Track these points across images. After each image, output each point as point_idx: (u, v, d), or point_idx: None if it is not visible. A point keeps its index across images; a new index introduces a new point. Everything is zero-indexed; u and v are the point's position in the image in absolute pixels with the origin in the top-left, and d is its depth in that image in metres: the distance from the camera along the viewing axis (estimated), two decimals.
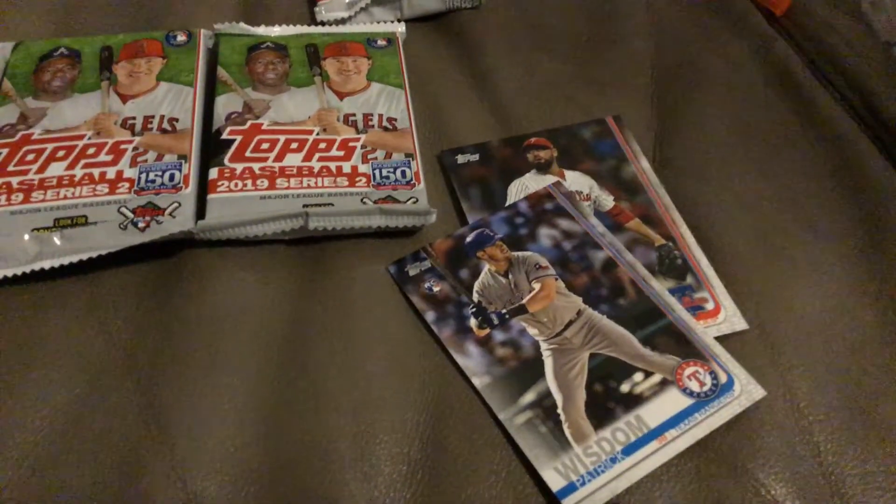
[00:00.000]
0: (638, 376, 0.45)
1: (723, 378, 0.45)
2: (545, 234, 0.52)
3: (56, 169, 0.50)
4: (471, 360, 0.46)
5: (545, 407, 0.44)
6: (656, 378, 0.45)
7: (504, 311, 0.48)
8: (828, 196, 0.56)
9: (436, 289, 0.49)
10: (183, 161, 0.51)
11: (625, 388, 0.45)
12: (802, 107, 0.64)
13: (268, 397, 0.44)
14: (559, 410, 0.44)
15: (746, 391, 0.45)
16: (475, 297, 0.49)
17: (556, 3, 0.69)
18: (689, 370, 0.46)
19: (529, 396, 0.45)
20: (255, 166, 0.51)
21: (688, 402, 0.44)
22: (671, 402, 0.44)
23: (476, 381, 0.45)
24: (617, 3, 0.70)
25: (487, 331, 0.47)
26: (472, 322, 0.48)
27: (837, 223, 0.55)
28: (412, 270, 0.50)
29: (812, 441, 0.44)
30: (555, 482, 0.41)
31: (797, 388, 0.46)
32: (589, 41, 0.66)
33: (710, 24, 0.70)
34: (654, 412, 0.44)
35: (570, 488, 0.41)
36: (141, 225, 0.48)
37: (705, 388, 0.45)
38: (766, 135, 0.61)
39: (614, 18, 0.69)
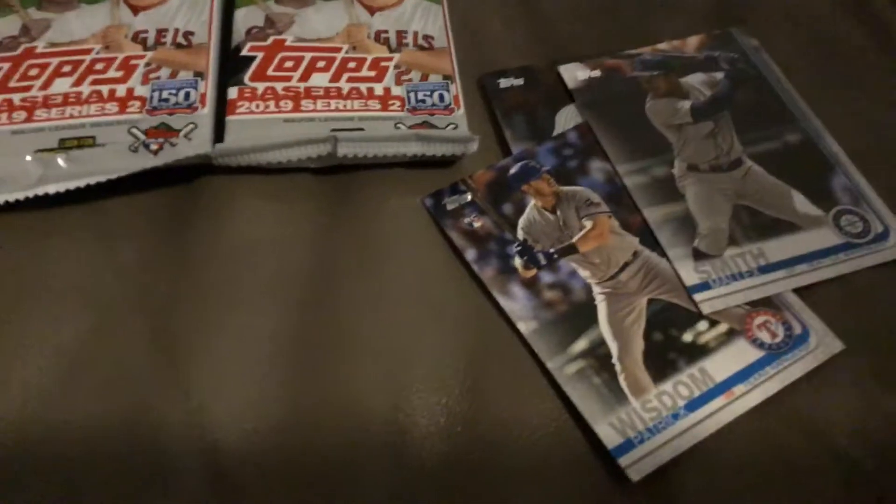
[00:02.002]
0: (702, 325, 0.41)
1: (797, 329, 0.40)
2: (597, 168, 0.47)
3: (61, 85, 0.45)
4: (516, 304, 0.42)
5: (599, 356, 0.40)
6: (723, 327, 0.41)
7: (552, 250, 0.44)
8: None
9: (476, 224, 0.44)
10: (199, 79, 0.46)
11: (687, 337, 0.41)
12: (877, 30, 0.57)
13: (292, 340, 0.40)
14: (614, 360, 0.40)
15: (823, 344, 0.40)
16: (520, 234, 0.44)
17: None
18: (759, 319, 0.41)
19: (581, 344, 0.40)
20: (279, 86, 0.47)
21: (758, 354, 0.40)
22: (739, 354, 0.40)
23: (522, 327, 0.41)
24: None
25: (534, 271, 0.43)
26: (517, 261, 0.43)
27: None
28: (450, 204, 0.45)
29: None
30: (610, 439, 0.37)
31: (880, 341, 0.41)
32: None
33: None
34: (721, 365, 0.40)
35: (627, 446, 0.37)
36: (153, 147, 0.43)
37: (777, 340, 0.40)
38: (841, 60, 0.55)
39: None
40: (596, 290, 0.42)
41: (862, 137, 0.49)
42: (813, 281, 0.42)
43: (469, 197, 0.45)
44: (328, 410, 0.38)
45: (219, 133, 0.45)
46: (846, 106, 0.51)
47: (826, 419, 0.39)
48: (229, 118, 0.45)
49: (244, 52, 0.48)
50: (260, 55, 0.48)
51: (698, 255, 0.43)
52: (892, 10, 0.59)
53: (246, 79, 0.47)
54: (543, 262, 0.43)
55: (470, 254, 0.43)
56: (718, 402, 0.38)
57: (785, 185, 0.46)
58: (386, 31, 0.50)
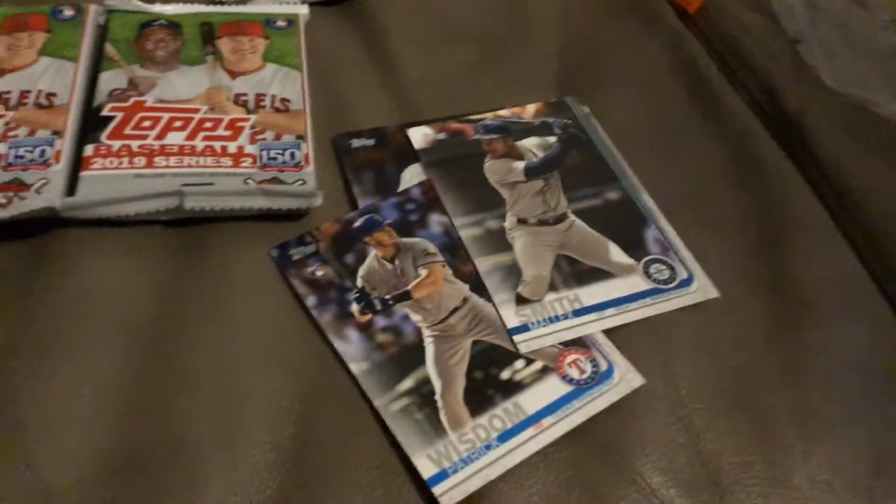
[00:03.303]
0: (519, 363, 0.45)
1: (603, 366, 0.45)
2: (436, 221, 0.51)
3: None
4: (350, 346, 0.45)
5: (423, 393, 0.43)
6: (538, 365, 0.45)
7: (388, 296, 0.47)
8: (723, 187, 0.56)
9: (319, 273, 0.47)
10: (56, 137, 0.49)
11: (505, 375, 0.44)
12: (707, 101, 0.64)
13: (129, 385, 0.42)
14: (437, 397, 0.43)
15: (626, 379, 0.44)
16: (359, 282, 0.47)
17: None
18: (570, 357, 0.45)
19: (408, 383, 0.43)
20: (134, 144, 0.49)
21: (567, 389, 0.44)
22: (551, 389, 0.44)
23: (354, 367, 0.44)
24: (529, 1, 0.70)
25: (369, 316, 0.46)
26: (354, 307, 0.46)
27: (731, 215, 0.55)
28: (296, 254, 0.48)
29: (691, 429, 0.44)
30: (426, 469, 0.40)
31: (679, 376, 0.46)
32: (496, 34, 0.65)
33: (622, 23, 0.70)
34: (533, 399, 0.43)
35: (442, 476, 0.40)
36: (2, 201, 0.45)
37: (585, 376, 0.44)
38: (669, 127, 0.61)
39: (524, 14, 0.68)
40: (426, 332, 0.46)
41: (675, 195, 0.54)
42: (620, 323, 0.47)
43: (314, 248, 0.49)
44: (159, 449, 0.40)
45: (72, 188, 0.47)
46: (664, 167, 0.56)
47: (627, 448, 0.43)
48: (83, 174, 0.47)
49: (104, 112, 0.51)
50: (119, 115, 0.51)
51: (520, 301, 0.47)
52: (720, 81, 0.66)
53: (103, 137, 0.49)
54: (379, 307, 0.46)
55: (310, 300, 0.46)
56: (528, 433, 0.42)
57: (603, 237, 0.50)
58: (245, 95, 0.54)
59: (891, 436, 0.45)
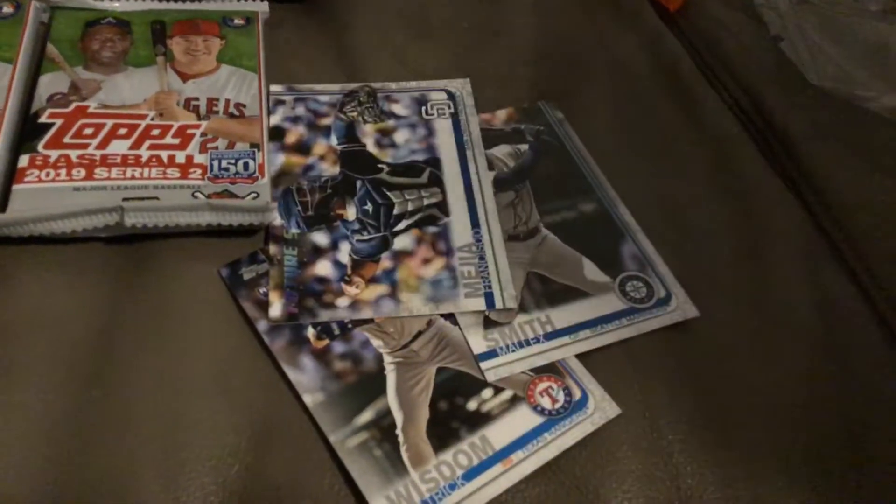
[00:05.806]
0: (487, 392, 0.42)
1: (577, 394, 0.42)
2: None
3: None
4: (304, 375, 0.41)
5: (383, 427, 0.40)
6: (507, 394, 0.42)
7: (347, 320, 0.44)
8: (703, 198, 0.53)
9: None
10: None
11: (472, 405, 0.41)
12: (687, 105, 0.61)
13: (66, 418, 0.39)
14: (398, 431, 0.40)
15: (601, 408, 0.42)
16: None
17: None
18: (541, 385, 0.42)
19: (367, 415, 0.40)
20: (74, 154, 0.46)
21: (538, 420, 0.41)
22: (521, 420, 0.41)
23: (307, 399, 0.41)
24: None
25: (326, 342, 0.43)
26: (311, 332, 0.43)
27: (712, 228, 0.52)
28: (247, 274, 0.45)
29: (671, 462, 0.41)
30: None
31: (657, 404, 0.43)
32: (467, 33, 0.62)
33: (600, 20, 0.67)
34: (502, 432, 0.40)
35: None
36: None
37: (557, 406, 0.41)
38: (648, 133, 0.58)
39: (497, 11, 0.65)
40: (387, 359, 0.42)
41: (653, 207, 0.51)
42: (595, 346, 0.44)
43: (267, 266, 0.45)
44: (96, 492, 0.37)
45: (4, 203, 0.43)
46: (642, 176, 0.54)
47: (603, 485, 0.40)
48: (15, 187, 0.44)
49: (42, 119, 0.47)
50: (59, 122, 0.47)
51: (489, 324, 0.44)
52: (702, 83, 0.63)
53: (40, 146, 0.46)
54: (337, 331, 0.43)
55: (262, 325, 0.43)
56: (496, 470, 0.39)
57: (577, 253, 0.47)
58: (197, 99, 0.50)
59: (879, 466, 0.42)
